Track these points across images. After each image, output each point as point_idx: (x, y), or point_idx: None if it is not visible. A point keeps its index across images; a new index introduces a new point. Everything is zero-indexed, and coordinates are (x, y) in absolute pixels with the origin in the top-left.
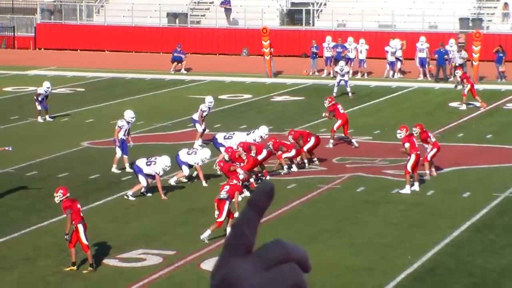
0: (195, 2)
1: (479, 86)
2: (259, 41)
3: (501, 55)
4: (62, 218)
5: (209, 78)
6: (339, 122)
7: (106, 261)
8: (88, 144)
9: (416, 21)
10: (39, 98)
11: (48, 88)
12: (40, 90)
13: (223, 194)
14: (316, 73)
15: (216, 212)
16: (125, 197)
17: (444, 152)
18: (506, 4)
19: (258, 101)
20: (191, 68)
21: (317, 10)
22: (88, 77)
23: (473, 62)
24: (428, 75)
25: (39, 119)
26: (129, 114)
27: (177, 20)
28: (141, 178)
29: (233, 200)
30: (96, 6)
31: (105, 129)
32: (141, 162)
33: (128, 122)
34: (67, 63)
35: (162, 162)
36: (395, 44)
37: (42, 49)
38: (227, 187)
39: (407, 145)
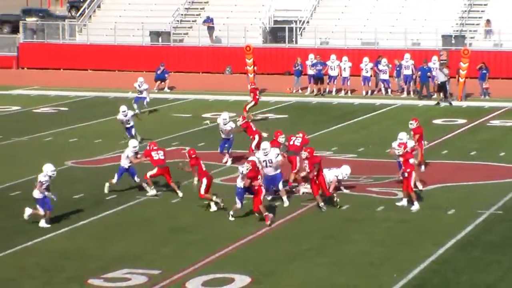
0: (178, 21)
1: (463, 103)
2: (242, 59)
3: (484, 72)
4: (48, 238)
5: (193, 96)
6: (256, 140)
7: (91, 281)
8: (72, 163)
9: (399, 38)
10: (126, 126)
11: (124, 111)
12: (120, 117)
13: None
14: (300, 91)
15: None
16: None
17: (429, 169)
18: (488, 21)
19: None
20: (174, 86)
21: (300, 28)
22: (71, 96)
23: (460, 79)
24: (412, 93)
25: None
26: None
27: (160, 39)
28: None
29: None
30: (79, 25)
31: (89, 148)
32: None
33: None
34: (50, 83)
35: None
36: (386, 64)
37: (25, 68)
38: None
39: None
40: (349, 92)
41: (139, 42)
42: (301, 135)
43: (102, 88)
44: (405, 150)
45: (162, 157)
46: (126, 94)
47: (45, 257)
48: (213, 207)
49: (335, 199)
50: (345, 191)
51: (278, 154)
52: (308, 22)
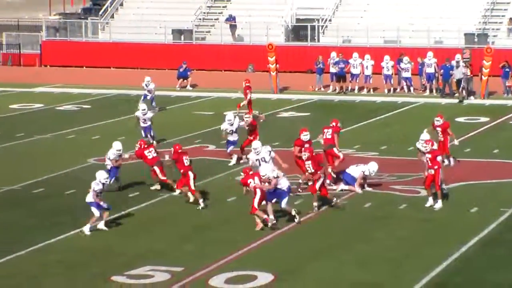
0: (200, 19)
1: (486, 101)
2: (264, 57)
3: (507, 70)
4: (71, 235)
5: (215, 94)
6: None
7: (114, 277)
8: (95, 160)
9: (421, 36)
10: (143, 125)
11: (144, 109)
12: (138, 113)
13: None
14: (322, 89)
15: None
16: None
17: (452, 167)
18: (511, 19)
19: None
20: (196, 84)
21: (322, 26)
22: (93, 94)
23: (483, 77)
24: (434, 91)
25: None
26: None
27: (182, 37)
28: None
29: None
30: (101, 23)
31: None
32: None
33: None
34: (73, 80)
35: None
36: (408, 62)
37: (48, 66)
38: None
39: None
40: (371, 90)
41: (161, 40)
42: (334, 123)
43: (124, 85)
44: (433, 147)
45: (155, 154)
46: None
47: (68, 254)
48: (202, 204)
49: (333, 200)
50: (368, 189)
51: (271, 151)
52: (330, 20)
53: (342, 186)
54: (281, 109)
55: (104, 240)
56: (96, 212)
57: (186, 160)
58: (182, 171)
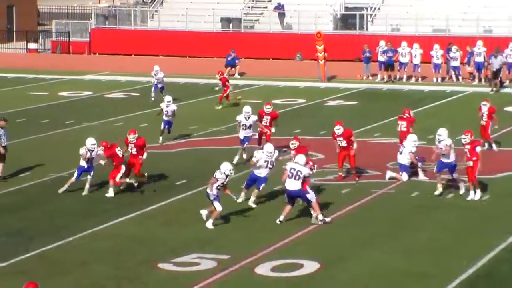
0: (249, 7)
1: None
2: (312, 45)
3: None
4: (117, 222)
5: (263, 82)
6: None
7: (161, 265)
8: None
9: (470, 25)
10: (165, 118)
11: (169, 101)
12: (162, 105)
13: None
14: (370, 78)
15: None
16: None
17: (500, 157)
18: None
19: (312, 105)
20: (244, 72)
21: (371, 15)
22: (142, 81)
23: None
24: (483, 80)
25: (160, 139)
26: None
27: (231, 25)
28: None
29: None
30: (150, 11)
31: (159, 133)
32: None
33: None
34: (122, 68)
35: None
36: (456, 50)
37: (97, 54)
38: None
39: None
40: (419, 79)
41: (210, 28)
42: (406, 114)
43: (172, 74)
44: (472, 138)
45: (121, 154)
46: (196, 80)
47: (116, 241)
48: (111, 193)
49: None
50: (422, 178)
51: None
52: (379, 8)
53: (389, 174)
54: (329, 97)
55: (151, 228)
56: (218, 207)
57: (119, 152)
58: (115, 163)
